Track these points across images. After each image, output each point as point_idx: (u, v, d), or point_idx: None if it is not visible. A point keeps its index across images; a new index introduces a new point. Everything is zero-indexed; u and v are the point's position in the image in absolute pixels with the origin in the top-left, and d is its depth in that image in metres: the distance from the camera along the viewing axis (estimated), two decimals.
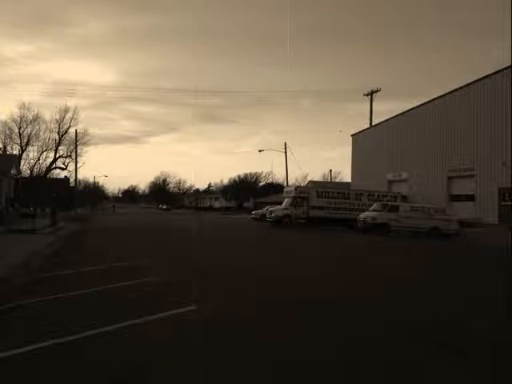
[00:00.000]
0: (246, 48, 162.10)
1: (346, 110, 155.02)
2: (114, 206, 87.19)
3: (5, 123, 55.41)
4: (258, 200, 75.09)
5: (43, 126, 57.09)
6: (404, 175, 42.85)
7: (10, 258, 11.67)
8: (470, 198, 35.06)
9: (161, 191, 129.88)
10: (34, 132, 56.32)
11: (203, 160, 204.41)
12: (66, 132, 58.85)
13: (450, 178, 37.59)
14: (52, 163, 58.90)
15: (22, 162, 54.08)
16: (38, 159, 57.00)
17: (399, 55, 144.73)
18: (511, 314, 7.81)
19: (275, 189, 79.47)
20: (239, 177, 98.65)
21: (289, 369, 4.83)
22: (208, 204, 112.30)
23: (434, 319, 7.13)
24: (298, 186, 43.94)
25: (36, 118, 56.54)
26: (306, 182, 75.03)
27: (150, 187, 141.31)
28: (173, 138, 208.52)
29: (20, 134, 55.85)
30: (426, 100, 41.33)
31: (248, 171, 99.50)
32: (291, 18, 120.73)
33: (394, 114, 45.88)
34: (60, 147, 58.57)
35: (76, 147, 57.54)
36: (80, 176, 70.73)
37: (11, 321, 6.40)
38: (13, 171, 32.41)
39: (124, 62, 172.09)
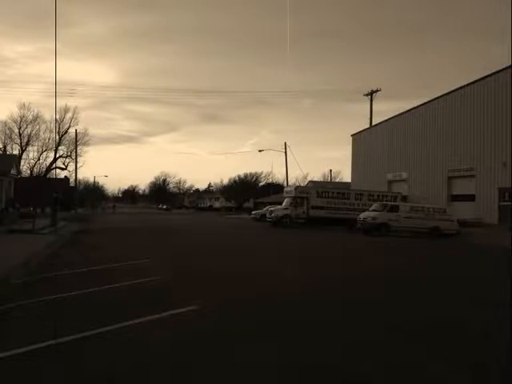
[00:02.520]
0: (246, 48, 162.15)
1: (346, 110, 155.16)
2: (114, 206, 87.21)
3: (5, 123, 55.51)
4: (258, 200, 75.10)
5: (43, 126, 57.21)
6: (404, 175, 42.85)
7: (11, 258, 11.67)
8: (470, 198, 35.07)
9: (161, 191, 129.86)
10: (33, 132, 56.44)
11: (203, 160, 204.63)
12: (66, 132, 58.96)
13: (450, 178, 37.60)
14: (52, 163, 58.94)
15: (22, 162, 54.16)
16: (38, 159, 57.12)
17: (399, 55, 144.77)
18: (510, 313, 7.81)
19: (275, 189, 79.40)
20: (239, 177, 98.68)
21: (288, 368, 4.83)
22: (208, 204, 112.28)
23: (433, 319, 7.13)
24: (298, 186, 43.91)
25: (36, 118, 56.64)
26: (306, 182, 75.05)
27: (150, 187, 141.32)
28: (173, 138, 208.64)
29: (20, 134, 55.95)
30: (426, 100, 41.39)
31: (248, 171, 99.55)
32: (291, 18, 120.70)
33: (394, 114, 45.93)
34: (60, 147, 58.68)
35: (76, 147, 57.63)
36: (80, 176, 70.85)
37: (11, 321, 6.41)
38: (13, 171, 32.40)
39: (124, 62, 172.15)
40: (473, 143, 35.01)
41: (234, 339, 5.79)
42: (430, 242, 24.30)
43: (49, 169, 58.66)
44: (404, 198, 38.47)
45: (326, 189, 38.39)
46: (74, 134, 57.37)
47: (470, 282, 11.50)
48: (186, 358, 5.06)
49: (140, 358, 5.00)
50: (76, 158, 57.83)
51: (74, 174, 58.68)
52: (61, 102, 58.86)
